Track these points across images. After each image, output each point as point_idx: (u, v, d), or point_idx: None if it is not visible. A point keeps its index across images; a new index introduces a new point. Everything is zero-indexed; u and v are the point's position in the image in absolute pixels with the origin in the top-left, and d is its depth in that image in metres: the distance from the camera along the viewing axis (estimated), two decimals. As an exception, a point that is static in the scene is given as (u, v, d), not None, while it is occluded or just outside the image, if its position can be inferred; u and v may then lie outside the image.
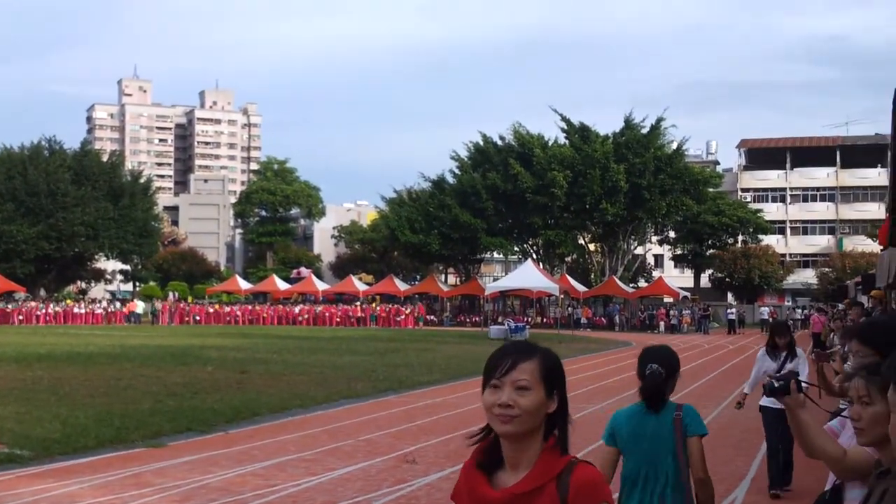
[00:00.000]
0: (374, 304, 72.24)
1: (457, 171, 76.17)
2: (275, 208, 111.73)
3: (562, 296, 62.37)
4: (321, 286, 79.15)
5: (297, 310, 71.37)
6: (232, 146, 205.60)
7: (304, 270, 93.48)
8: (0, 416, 13.15)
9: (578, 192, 68.17)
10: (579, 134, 71.46)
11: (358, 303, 73.18)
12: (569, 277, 67.31)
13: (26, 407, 16.41)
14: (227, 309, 71.62)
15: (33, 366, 25.74)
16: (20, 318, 64.18)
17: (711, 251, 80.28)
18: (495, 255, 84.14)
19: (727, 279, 79.57)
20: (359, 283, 78.86)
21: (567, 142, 72.24)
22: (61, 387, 20.13)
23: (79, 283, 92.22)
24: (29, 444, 12.54)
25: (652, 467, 4.92)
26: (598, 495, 2.56)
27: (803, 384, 3.56)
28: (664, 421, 4.94)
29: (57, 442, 12.87)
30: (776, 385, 3.51)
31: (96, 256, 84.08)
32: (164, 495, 9.77)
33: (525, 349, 2.66)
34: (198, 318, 69.28)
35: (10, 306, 65.98)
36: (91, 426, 14.26)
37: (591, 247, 76.83)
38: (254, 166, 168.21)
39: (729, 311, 66.52)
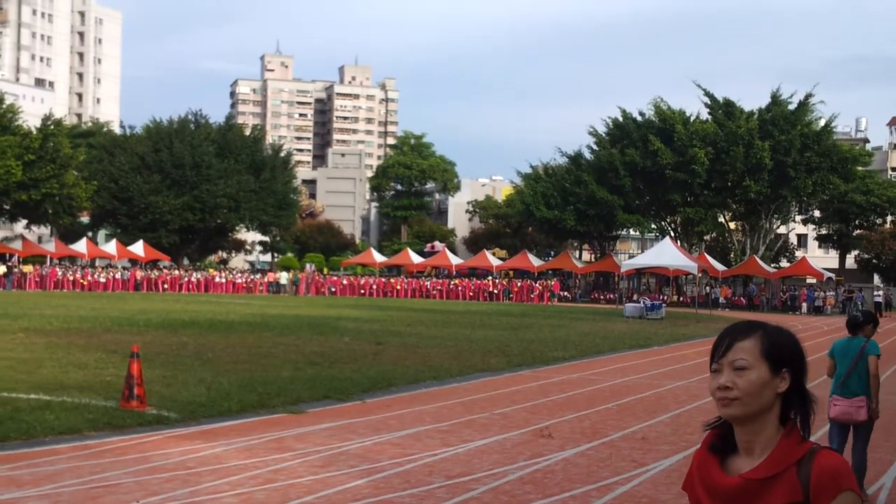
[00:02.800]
0: (507, 280, 72.20)
1: (594, 146, 75.37)
2: (410, 182, 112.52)
3: (700, 274, 61.15)
4: (455, 260, 79.44)
5: (430, 283, 71.90)
6: (369, 121, 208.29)
7: (438, 244, 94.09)
8: (148, 379, 13.55)
9: (720, 169, 66.65)
10: (723, 110, 69.68)
11: (491, 277, 73.27)
12: (707, 256, 65.94)
13: (173, 371, 16.94)
14: (362, 281, 72.62)
15: (178, 332, 26.58)
16: (165, 285, 66.57)
17: (858, 231, 77.33)
18: (632, 232, 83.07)
19: (874, 260, 76.55)
20: (492, 258, 78.89)
21: (710, 118, 70.59)
22: (205, 352, 20.72)
23: (220, 253, 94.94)
24: (176, 407, 12.92)
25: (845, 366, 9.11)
26: (842, 483, 2.38)
27: None
28: (856, 344, 9.17)
29: (202, 405, 13.22)
30: None
31: (237, 227, 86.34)
32: (306, 460, 9.92)
33: (744, 328, 2.52)
34: (333, 289, 70.52)
35: (155, 274, 68.46)
36: (234, 391, 14.61)
37: (732, 225, 75.12)
38: (390, 141, 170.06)
39: (876, 293, 63.96)
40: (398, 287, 70.91)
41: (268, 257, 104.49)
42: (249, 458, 9.87)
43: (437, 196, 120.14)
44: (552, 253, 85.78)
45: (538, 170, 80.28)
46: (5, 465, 9.25)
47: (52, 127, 71.64)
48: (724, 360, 2.47)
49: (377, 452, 10.46)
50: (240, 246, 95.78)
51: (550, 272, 75.46)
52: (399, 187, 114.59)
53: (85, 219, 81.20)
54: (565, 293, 72.05)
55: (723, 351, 2.48)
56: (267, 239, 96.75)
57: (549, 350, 24.86)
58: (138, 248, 73.03)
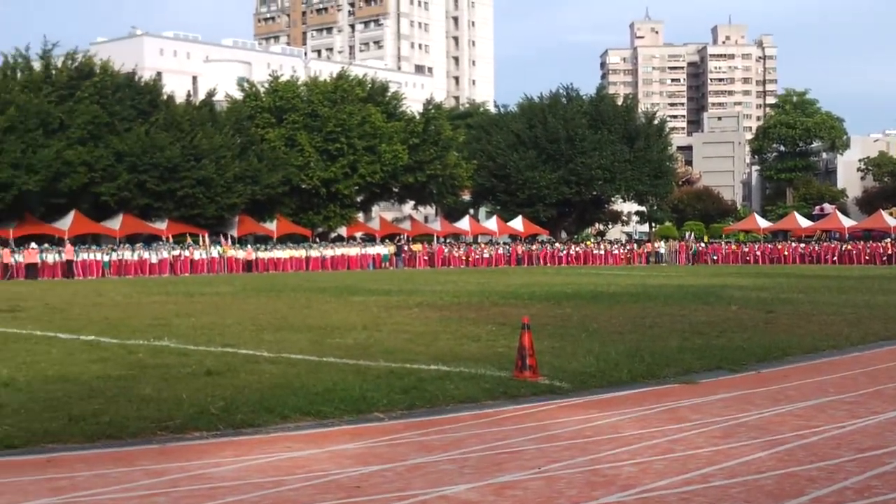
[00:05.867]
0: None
1: None
2: (794, 142, 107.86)
3: None
4: (847, 223, 75.80)
5: (820, 248, 68.95)
6: (746, 81, 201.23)
7: (827, 206, 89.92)
8: (538, 350, 13.80)
9: None
10: None
11: (889, 239, 68.88)
12: None
13: (560, 342, 17.19)
14: (746, 248, 70.89)
15: (562, 304, 27.04)
16: (545, 259, 68.40)
17: None
18: None
19: None
20: (889, 219, 74.33)
21: None
22: (590, 323, 20.87)
23: (597, 225, 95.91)
24: (567, 377, 13.06)
25: None
26: None
27: None
28: None
29: (592, 375, 13.27)
30: None
31: (613, 199, 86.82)
32: (703, 430, 9.66)
33: None
34: (715, 257, 69.27)
35: (535, 249, 70.47)
36: (623, 361, 14.55)
37: None
38: (770, 100, 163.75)
39: None
40: (785, 253, 68.56)
41: (645, 227, 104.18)
42: (645, 428, 9.77)
43: (824, 155, 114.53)
44: (961, 211, 79.07)
45: (941, 120, 73.98)
46: (415, 431, 9.77)
47: (433, 111, 75.79)
48: None
49: (778, 424, 9.98)
50: (616, 217, 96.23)
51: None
52: (782, 148, 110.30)
53: (466, 197, 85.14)
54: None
55: None
56: (644, 209, 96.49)
57: (964, 316, 22.73)
58: (517, 223, 75.52)
